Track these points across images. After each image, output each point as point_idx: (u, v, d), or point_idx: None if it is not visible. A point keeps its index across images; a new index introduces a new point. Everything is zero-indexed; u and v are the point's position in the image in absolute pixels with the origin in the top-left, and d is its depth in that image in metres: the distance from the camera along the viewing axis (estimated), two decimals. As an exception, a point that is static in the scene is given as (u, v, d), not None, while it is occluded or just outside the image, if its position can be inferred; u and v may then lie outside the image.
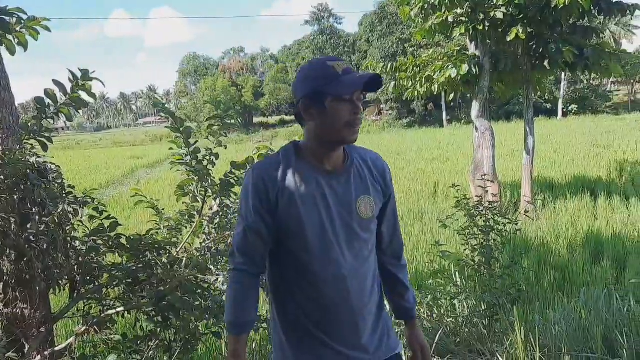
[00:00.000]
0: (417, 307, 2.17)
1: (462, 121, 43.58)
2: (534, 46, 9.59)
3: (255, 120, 68.29)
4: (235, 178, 2.98)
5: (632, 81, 51.97)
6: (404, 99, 12.01)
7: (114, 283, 2.88)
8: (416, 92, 10.51)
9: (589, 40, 9.50)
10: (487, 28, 9.00)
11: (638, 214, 9.17)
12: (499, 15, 8.56)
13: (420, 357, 1.84)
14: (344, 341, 1.64)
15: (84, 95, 2.71)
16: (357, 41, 59.25)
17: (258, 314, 1.83)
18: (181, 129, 2.87)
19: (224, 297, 2.93)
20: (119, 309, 2.85)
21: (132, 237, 2.91)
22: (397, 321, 2.02)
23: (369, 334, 1.69)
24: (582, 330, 3.25)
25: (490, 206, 4.35)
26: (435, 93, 10.51)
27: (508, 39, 8.80)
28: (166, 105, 3.13)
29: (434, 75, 9.78)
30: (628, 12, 8.86)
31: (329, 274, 1.60)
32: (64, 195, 2.79)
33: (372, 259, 1.72)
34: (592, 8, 8.55)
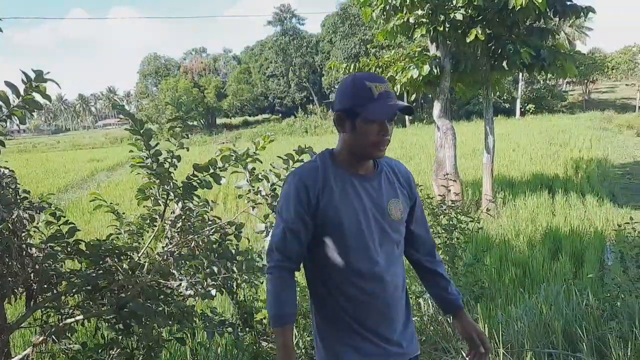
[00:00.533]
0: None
1: (425, 121, 44.18)
2: (493, 47, 9.79)
3: (219, 121, 67.62)
4: (198, 181, 2.92)
5: (586, 81, 53.69)
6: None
7: (73, 290, 2.79)
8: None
9: (545, 41, 9.76)
10: (447, 29, 9.14)
11: (593, 210, 9.47)
12: (459, 16, 8.69)
13: (479, 343, 1.88)
14: (381, 335, 1.75)
15: (38, 97, 2.61)
16: (319, 42, 59.34)
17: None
18: (141, 131, 2.80)
19: (187, 302, 2.88)
20: (78, 318, 2.76)
21: (91, 243, 2.83)
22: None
23: (402, 330, 1.80)
24: (543, 325, 3.33)
25: (452, 205, 4.41)
26: (397, 93, 10.60)
27: (468, 40, 8.96)
28: (126, 107, 3.04)
29: (396, 75, 9.87)
30: (582, 14, 9.13)
31: (366, 270, 1.71)
32: (19, 200, 2.69)
33: (402, 261, 1.85)
34: (547, 10, 8.78)
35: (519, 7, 8.14)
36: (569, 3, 9.04)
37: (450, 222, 4.24)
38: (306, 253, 1.78)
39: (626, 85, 52.26)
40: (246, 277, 2.83)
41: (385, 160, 1.86)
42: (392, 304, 1.76)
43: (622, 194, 11.60)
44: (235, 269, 2.78)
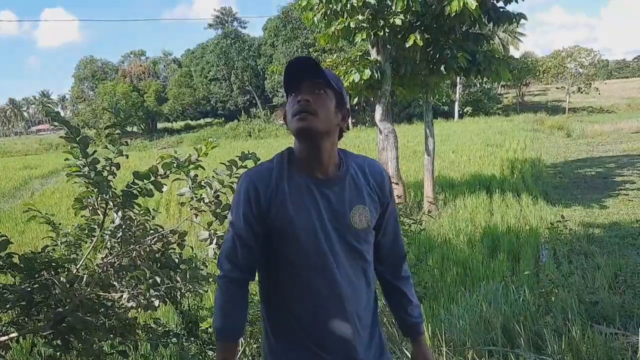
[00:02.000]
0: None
1: (367, 124, 44.80)
2: (431, 52, 10.05)
3: (159, 125, 66.08)
4: (139, 189, 2.84)
5: (519, 84, 55.94)
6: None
7: (7, 307, 2.65)
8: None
9: (481, 46, 10.11)
10: (387, 34, 9.32)
11: (528, 209, 9.89)
12: (398, 22, 8.88)
13: None
14: (336, 354, 1.57)
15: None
16: (262, 45, 59.08)
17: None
18: (78, 139, 2.70)
19: (129, 315, 2.81)
20: (12, 335, 2.62)
21: (25, 256, 2.70)
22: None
23: (364, 348, 1.61)
24: (484, 323, 3.44)
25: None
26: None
27: (407, 45, 9.16)
28: (61, 112, 2.92)
29: (338, 79, 9.96)
30: (514, 20, 9.52)
31: (321, 282, 1.54)
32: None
33: (369, 272, 1.65)
34: (482, 16, 9.11)
35: (455, 13, 8.39)
36: (502, 10, 9.41)
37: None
38: (261, 260, 1.62)
39: (556, 88, 54.81)
40: (190, 286, 2.77)
41: (356, 159, 1.68)
42: (352, 320, 1.58)
43: (554, 192, 12.16)
44: (178, 278, 2.72)
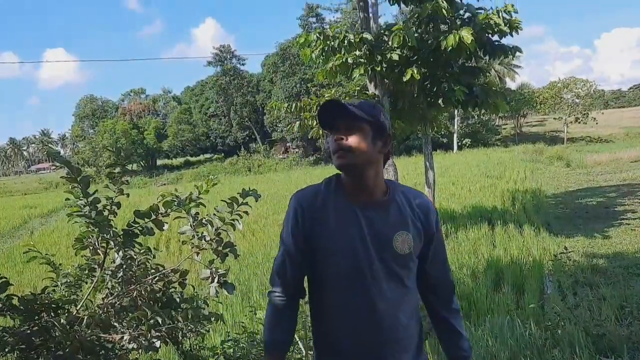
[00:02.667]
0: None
1: (366, 157, 44.91)
2: (429, 85, 10.16)
3: (159, 162, 66.43)
4: (140, 227, 2.83)
5: (517, 115, 56.46)
6: (309, 137, 12.22)
7: (6, 350, 2.61)
8: (321, 131, 10.73)
9: (477, 79, 10.23)
10: (384, 69, 9.43)
11: (531, 240, 9.82)
12: (395, 57, 8.99)
13: None
14: None
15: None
16: (260, 81, 59.87)
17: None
18: (78, 179, 2.70)
19: (130, 356, 2.76)
20: (11, 379, 2.58)
21: (25, 298, 2.67)
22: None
23: None
24: (490, 358, 3.38)
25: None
26: (339, 131, 10.76)
27: (404, 79, 9.25)
28: (62, 151, 2.94)
29: (337, 114, 10.04)
30: (510, 53, 9.66)
31: (360, 304, 1.60)
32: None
33: (410, 297, 1.69)
34: (477, 50, 9.24)
35: (451, 47, 8.51)
36: (497, 43, 9.55)
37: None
38: (308, 277, 1.71)
39: (554, 118, 55.27)
40: (192, 326, 2.73)
41: (403, 189, 1.75)
42: (388, 344, 1.62)
43: (556, 223, 12.11)
44: (180, 318, 2.69)
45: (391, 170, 10.30)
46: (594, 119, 50.62)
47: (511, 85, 54.76)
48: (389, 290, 1.61)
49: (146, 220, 2.74)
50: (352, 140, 1.60)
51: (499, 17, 8.93)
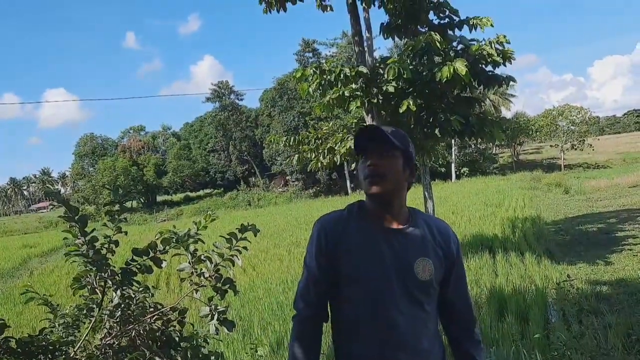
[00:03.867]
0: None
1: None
2: (425, 116, 10.24)
3: (159, 198, 66.38)
4: (138, 265, 2.81)
5: (513, 144, 56.80)
6: (308, 170, 12.26)
7: (1, 394, 2.56)
8: (319, 164, 10.77)
9: (473, 109, 10.32)
10: (380, 101, 9.53)
11: (533, 268, 9.75)
12: (391, 89, 9.10)
13: None
14: None
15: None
16: (259, 116, 60.37)
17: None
18: (76, 218, 2.69)
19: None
20: None
21: (22, 340, 2.63)
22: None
23: None
24: (497, 390, 3.31)
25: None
26: (338, 163, 10.82)
27: (401, 111, 9.33)
28: (62, 189, 2.94)
29: (335, 146, 10.11)
30: (504, 82, 9.77)
31: (381, 328, 1.60)
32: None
33: (431, 323, 1.70)
34: (472, 80, 9.35)
35: (445, 79, 8.62)
36: (490, 73, 9.67)
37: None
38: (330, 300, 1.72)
39: (550, 146, 55.64)
40: (191, 366, 2.69)
41: (425, 217, 1.78)
42: None
43: (557, 250, 12.04)
44: (179, 357, 2.65)
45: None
46: (591, 145, 50.97)
47: (506, 114, 55.29)
48: (410, 316, 1.62)
49: (144, 258, 2.73)
50: (386, 166, 1.65)
51: (491, 48, 9.07)
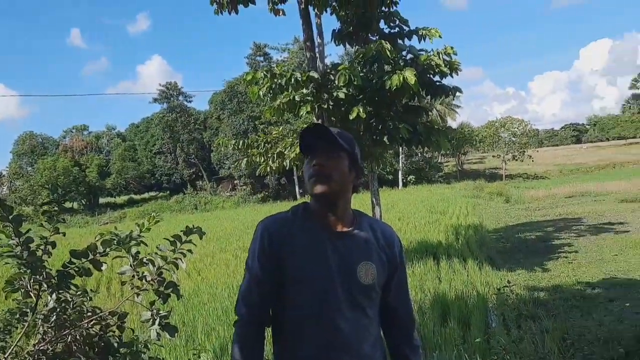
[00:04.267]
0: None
1: (314, 194, 45.15)
2: (374, 124, 10.35)
3: (102, 200, 64.23)
4: (76, 268, 2.69)
5: (458, 153, 58.42)
6: (257, 174, 12.16)
7: None
8: (268, 168, 10.69)
9: (420, 118, 10.51)
10: (331, 107, 9.56)
11: (475, 274, 10.02)
12: (341, 95, 9.14)
13: None
14: None
15: None
16: (208, 118, 59.55)
17: None
18: (10, 217, 2.56)
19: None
20: None
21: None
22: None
23: None
24: (439, 394, 3.36)
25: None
26: (287, 168, 10.77)
27: (351, 117, 9.40)
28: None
29: (285, 151, 10.07)
30: (450, 93, 10.01)
31: (322, 332, 1.58)
32: None
33: (373, 328, 1.68)
34: (420, 90, 9.53)
35: (395, 87, 8.75)
36: (438, 84, 9.89)
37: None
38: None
39: (493, 156, 57.62)
40: (130, 373, 2.59)
41: (370, 220, 1.76)
42: None
43: (498, 257, 12.43)
44: (117, 364, 2.55)
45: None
46: (530, 156, 53.19)
47: (452, 124, 56.84)
48: (352, 320, 1.60)
49: (83, 260, 2.62)
50: (332, 168, 1.63)
51: (439, 58, 9.26)
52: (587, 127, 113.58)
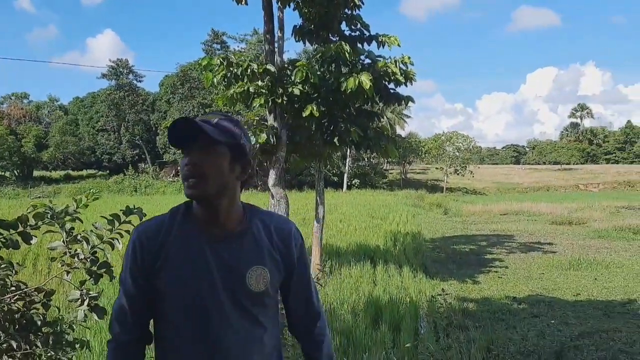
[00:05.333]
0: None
1: (259, 188, 44.89)
2: (326, 124, 10.41)
3: (36, 173, 61.45)
4: (3, 239, 2.55)
5: (403, 162, 59.54)
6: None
7: None
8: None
9: (372, 123, 10.65)
10: (285, 102, 9.54)
11: (409, 281, 10.22)
12: (296, 91, 9.14)
13: None
14: None
15: None
16: (157, 101, 58.15)
17: None
18: None
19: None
20: None
21: None
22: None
23: None
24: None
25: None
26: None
27: (304, 115, 9.41)
28: None
29: (233, 141, 9.94)
30: (403, 101, 10.19)
31: (204, 348, 1.42)
32: None
33: (269, 338, 1.53)
34: (374, 95, 9.65)
35: (350, 90, 8.82)
36: (392, 91, 10.04)
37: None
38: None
39: (436, 168, 59.02)
40: (52, 353, 2.48)
41: (263, 215, 1.57)
42: None
43: (432, 266, 12.74)
44: (39, 343, 2.43)
45: (283, 202, 10.31)
46: (471, 172, 54.97)
47: (401, 133, 57.98)
48: (241, 330, 1.45)
49: (12, 231, 2.48)
50: (207, 166, 1.41)
51: (396, 66, 9.42)
52: (526, 149, 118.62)
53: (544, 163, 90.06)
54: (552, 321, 7.48)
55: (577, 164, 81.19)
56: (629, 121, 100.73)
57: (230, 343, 1.44)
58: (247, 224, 1.52)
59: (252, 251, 1.49)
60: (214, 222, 1.48)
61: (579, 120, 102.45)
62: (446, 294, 5.25)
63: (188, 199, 1.51)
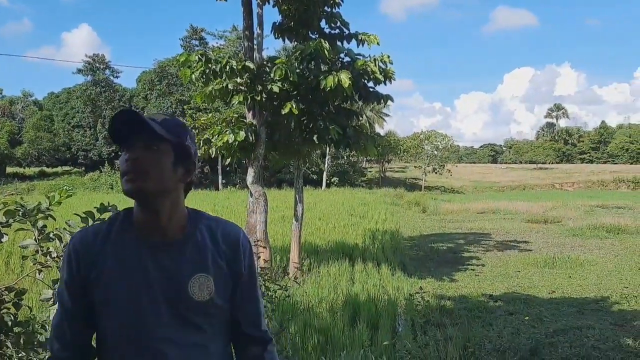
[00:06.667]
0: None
1: (237, 185, 44.69)
2: (305, 121, 10.39)
3: (9, 170, 60.18)
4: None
5: (382, 160, 59.83)
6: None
7: None
8: (200, 152, 10.44)
9: (351, 121, 10.67)
10: (264, 99, 9.50)
11: (387, 279, 10.27)
12: (275, 89, 9.11)
13: None
14: None
15: None
16: (134, 97, 57.40)
17: None
18: None
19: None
20: None
21: None
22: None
23: None
24: (343, 393, 3.40)
25: (261, 272, 4.41)
26: (212, 156, 10.58)
27: (283, 112, 9.39)
28: None
29: (212, 138, 9.87)
30: (382, 100, 10.23)
31: (144, 359, 1.36)
32: None
33: (215, 346, 1.45)
34: (354, 93, 9.67)
35: (329, 88, 8.82)
36: (371, 90, 10.07)
37: (259, 289, 4.22)
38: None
39: (414, 167, 59.53)
40: (23, 354, 2.42)
41: (209, 221, 1.49)
42: None
43: (411, 264, 12.82)
44: (9, 343, 2.37)
45: (262, 200, 10.28)
46: (449, 170, 55.51)
47: (379, 131, 58.15)
48: (184, 344, 1.38)
49: (-21, 229, 2.42)
50: (149, 162, 1.34)
51: (375, 65, 9.45)
52: (503, 148, 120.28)
53: (521, 162, 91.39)
54: (527, 318, 7.59)
55: (552, 163, 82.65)
56: (603, 121, 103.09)
57: (172, 356, 1.37)
58: (191, 230, 1.44)
59: (196, 259, 1.41)
60: (154, 227, 1.40)
61: (554, 120, 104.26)
62: (424, 292, 5.29)
63: (127, 208, 1.45)
